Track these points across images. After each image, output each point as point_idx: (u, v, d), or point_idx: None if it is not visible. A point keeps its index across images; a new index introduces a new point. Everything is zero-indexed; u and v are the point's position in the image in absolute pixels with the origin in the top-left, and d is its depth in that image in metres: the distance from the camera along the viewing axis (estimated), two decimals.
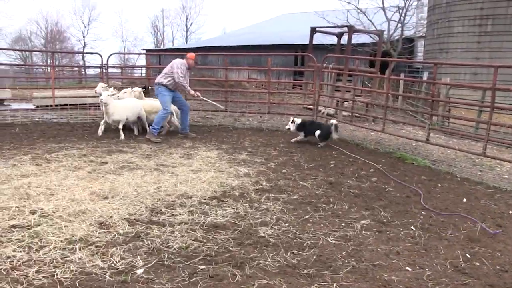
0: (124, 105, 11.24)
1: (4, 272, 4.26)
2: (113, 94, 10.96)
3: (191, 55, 11.68)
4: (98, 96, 11.53)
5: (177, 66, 11.30)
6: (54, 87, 15.24)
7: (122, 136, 11.00)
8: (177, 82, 11.21)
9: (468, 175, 8.84)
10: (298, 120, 11.32)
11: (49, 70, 26.57)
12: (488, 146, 9.40)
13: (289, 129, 11.40)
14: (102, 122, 11.40)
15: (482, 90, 15.45)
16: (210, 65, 34.97)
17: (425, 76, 23.17)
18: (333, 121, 11.07)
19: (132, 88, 13.11)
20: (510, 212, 6.69)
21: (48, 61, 53.20)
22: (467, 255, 5.06)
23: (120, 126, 11.06)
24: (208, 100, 12.62)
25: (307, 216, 6.08)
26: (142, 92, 12.83)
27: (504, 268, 4.79)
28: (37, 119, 13.79)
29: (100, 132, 11.33)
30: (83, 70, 37.93)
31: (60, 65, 44.94)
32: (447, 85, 15.93)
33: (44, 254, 4.66)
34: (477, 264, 4.86)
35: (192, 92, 11.57)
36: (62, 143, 10.21)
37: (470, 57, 23.71)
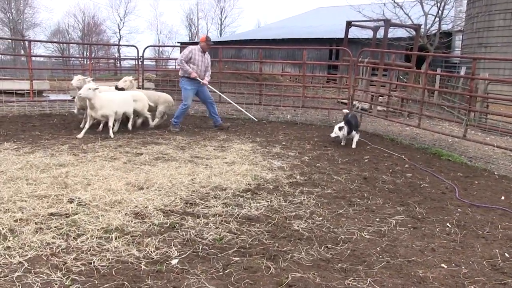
0: (111, 98, 10.20)
1: (45, 258, 4.39)
2: (96, 89, 9.68)
3: (201, 37, 11.51)
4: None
5: (183, 51, 11.33)
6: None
7: (112, 134, 10.12)
8: (178, 65, 11.23)
9: (506, 172, 8.60)
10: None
11: (86, 62, 27.07)
12: None
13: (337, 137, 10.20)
14: (87, 122, 10.29)
15: None
16: (244, 59, 35.05)
17: (462, 71, 22.65)
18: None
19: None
20: None
21: (85, 54, 54.29)
22: (506, 254, 4.93)
23: (110, 123, 10.14)
24: (242, 110, 12.35)
25: (341, 211, 6.04)
26: (133, 81, 11.93)
27: None
28: (73, 111, 14.09)
29: (83, 133, 10.16)
30: (118, 62, 38.58)
31: (97, 57, 45.85)
32: (486, 80, 15.52)
33: (81, 242, 4.77)
34: None
35: (199, 78, 11.23)
36: (98, 133, 10.40)
37: (510, 51, 23.03)
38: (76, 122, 11.95)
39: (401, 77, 21.72)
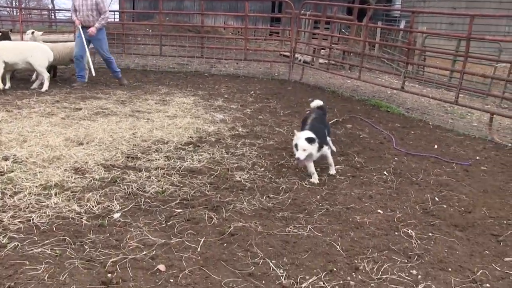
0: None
1: None
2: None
3: None
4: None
5: None
6: (22, 31, 14.70)
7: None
8: None
9: (440, 122, 9.00)
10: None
11: (15, 13, 25.49)
12: (460, 95, 9.55)
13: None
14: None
15: (457, 39, 15.51)
16: (186, 11, 34.11)
17: (402, 25, 23.10)
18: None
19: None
20: (477, 158, 6.89)
21: (14, 3, 50.94)
22: (436, 199, 5.24)
23: None
24: (90, 63, 10.81)
25: (282, 161, 6.16)
26: (36, 35, 11.23)
27: (468, 209, 4.99)
28: None
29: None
30: (53, 14, 36.61)
31: (28, 7, 43.19)
32: (424, 34, 15.93)
33: (19, 199, 4.63)
34: (444, 206, 5.03)
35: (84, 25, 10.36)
36: (34, 89, 9.96)
37: (447, 6, 23.65)
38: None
39: (343, 30, 21.90)
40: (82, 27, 10.24)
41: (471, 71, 10.90)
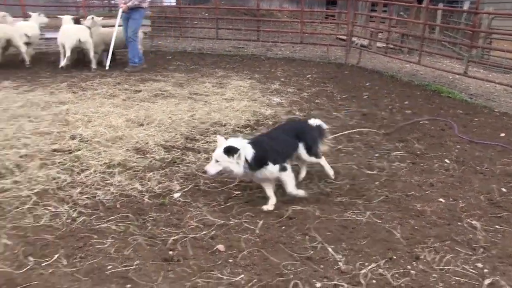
0: None
1: (52, 192, 4.49)
2: None
3: None
4: None
5: None
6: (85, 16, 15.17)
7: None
8: None
9: (507, 109, 8.61)
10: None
11: None
12: None
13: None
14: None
15: None
16: None
17: (466, 6, 22.16)
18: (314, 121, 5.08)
19: None
20: None
21: None
22: (503, 189, 5.02)
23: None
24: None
25: (340, 146, 6.10)
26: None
27: None
28: None
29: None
30: None
31: None
32: (490, 15, 15.21)
33: (85, 177, 4.86)
34: None
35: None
36: (96, 71, 10.30)
37: None
38: (73, 60, 11.75)
39: (401, 12, 21.26)
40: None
41: None
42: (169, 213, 4.20)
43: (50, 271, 3.31)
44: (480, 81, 10.57)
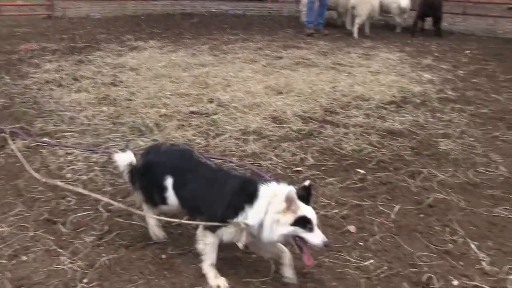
0: None
1: None
2: None
3: None
4: None
5: None
6: None
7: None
8: None
9: None
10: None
11: None
12: None
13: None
14: None
15: None
16: None
17: None
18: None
19: None
20: None
21: None
22: None
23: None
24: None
25: (497, 133, 5.67)
26: None
27: None
28: (214, 10, 14.49)
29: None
30: None
31: None
32: None
33: (220, 141, 5.11)
34: None
35: None
36: (238, 35, 10.69)
37: None
38: (216, 22, 12.30)
39: None
40: None
41: None
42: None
43: None
44: None
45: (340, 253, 3.41)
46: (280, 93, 6.68)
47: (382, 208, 3.98)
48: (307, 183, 2.93)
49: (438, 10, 11.42)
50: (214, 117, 5.73)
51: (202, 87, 6.78)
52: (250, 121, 5.65)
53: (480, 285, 3.15)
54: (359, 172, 4.58)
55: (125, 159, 3.32)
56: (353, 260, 3.34)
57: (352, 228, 3.71)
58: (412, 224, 3.79)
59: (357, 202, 4.05)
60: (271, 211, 2.77)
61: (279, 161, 4.74)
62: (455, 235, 3.67)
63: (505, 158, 5.03)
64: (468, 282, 3.16)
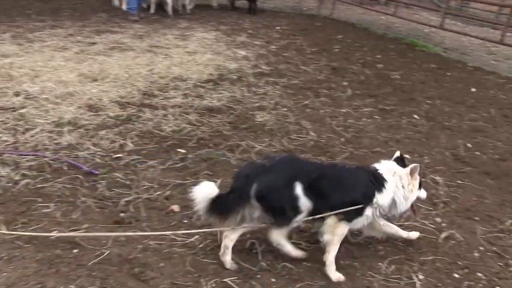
0: None
1: None
2: None
3: None
4: None
5: None
6: None
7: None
8: None
9: (480, 64, 8.75)
10: None
11: None
12: (507, 33, 9.23)
13: None
14: None
15: None
16: None
17: None
18: None
19: None
20: None
21: None
22: (469, 145, 5.18)
23: None
24: None
25: (307, 102, 6.12)
26: None
27: (503, 157, 4.94)
28: None
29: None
30: None
31: None
32: None
33: (31, 136, 4.72)
34: (477, 153, 5.00)
35: None
36: (46, 21, 9.95)
37: None
38: (18, 8, 11.28)
39: None
40: None
41: None
42: (121, 174, 4.16)
43: None
44: (456, 35, 10.69)
45: (166, 234, 3.41)
46: (95, 80, 6.38)
47: None
48: (398, 153, 3.40)
49: None
50: (22, 111, 5.26)
51: (5, 79, 6.17)
52: (63, 112, 5.31)
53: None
54: (180, 152, 4.60)
55: (208, 192, 3.05)
56: (179, 239, 3.36)
57: (176, 207, 3.74)
58: None
59: (180, 182, 4.08)
60: (400, 186, 3.15)
61: (97, 150, 4.54)
62: None
63: (313, 123, 5.46)
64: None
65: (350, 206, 3.05)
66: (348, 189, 3.13)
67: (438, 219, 3.76)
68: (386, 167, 3.24)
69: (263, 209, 3.04)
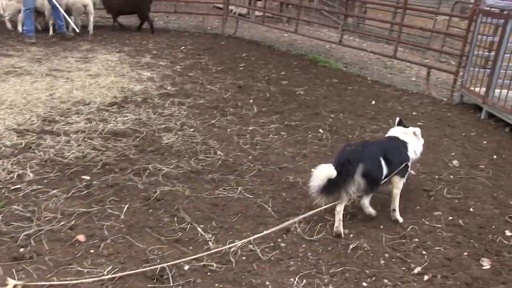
0: None
1: None
2: None
3: None
4: None
5: None
6: None
7: None
8: None
9: (378, 77, 9.23)
10: None
11: None
12: (399, 48, 9.82)
13: None
14: None
15: None
16: None
17: None
18: None
19: None
20: (414, 113, 7.17)
21: None
22: None
23: None
24: (66, 17, 10.85)
25: (213, 121, 6.14)
26: None
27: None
28: None
29: None
30: None
31: None
32: None
33: None
34: None
35: None
36: None
37: None
38: None
39: None
40: None
41: (411, 24, 11.19)
42: (20, 206, 3.94)
43: None
44: (354, 50, 11.22)
45: (71, 266, 3.27)
46: None
47: (111, 211, 3.95)
48: (398, 119, 4.72)
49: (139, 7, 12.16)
50: None
51: None
52: None
53: (208, 263, 3.38)
54: (84, 178, 4.44)
55: (329, 173, 3.75)
56: (85, 270, 3.24)
57: (81, 237, 3.60)
58: (142, 220, 3.85)
59: (85, 210, 3.94)
60: (417, 143, 4.40)
61: None
62: (183, 222, 3.88)
63: (220, 143, 5.48)
64: (197, 264, 3.36)
65: (404, 167, 4.14)
66: (400, 154, 4.17)
67: (346, 230, 3.90)
68: (400, 132, 4.42)
69: (366, 182, 3.88)
